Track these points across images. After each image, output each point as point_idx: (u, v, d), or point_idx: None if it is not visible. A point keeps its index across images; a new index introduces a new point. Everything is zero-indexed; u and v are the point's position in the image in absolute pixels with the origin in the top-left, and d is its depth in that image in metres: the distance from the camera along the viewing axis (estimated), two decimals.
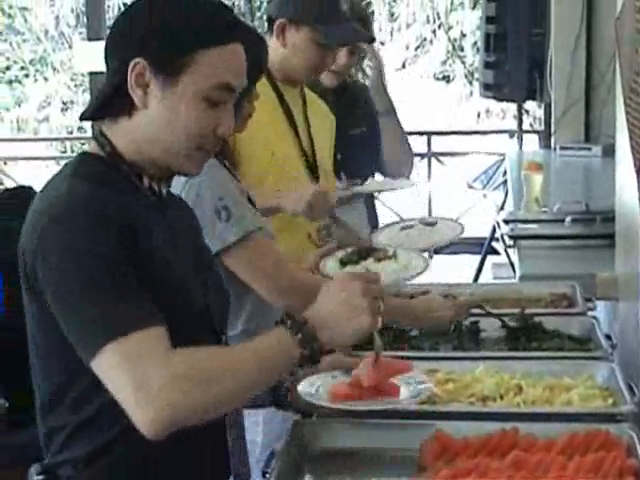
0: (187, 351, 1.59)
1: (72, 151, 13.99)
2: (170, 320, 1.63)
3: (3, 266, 2.37)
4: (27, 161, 10.88)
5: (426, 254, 2.89)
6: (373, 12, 14.97)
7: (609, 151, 4.98)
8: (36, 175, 9.76)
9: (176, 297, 1.71)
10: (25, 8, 16.57)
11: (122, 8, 16.01)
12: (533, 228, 3.89)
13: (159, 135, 1.72)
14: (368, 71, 3.79)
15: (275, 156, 2.82)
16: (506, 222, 3.96)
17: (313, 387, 1.90)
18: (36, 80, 16.75)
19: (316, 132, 2.99)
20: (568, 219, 3.79)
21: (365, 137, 3.65)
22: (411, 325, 2.67)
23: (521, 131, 7.47)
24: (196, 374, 1.56)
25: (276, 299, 2.42)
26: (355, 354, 2.14)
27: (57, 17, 16.74)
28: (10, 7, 16.44)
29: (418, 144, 8.92)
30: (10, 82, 17.06)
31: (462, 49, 16.35)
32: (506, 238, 3.86)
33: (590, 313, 2.79)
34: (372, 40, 4.00)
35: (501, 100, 7.46)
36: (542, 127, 7.20)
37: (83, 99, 14.94)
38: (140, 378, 1.53)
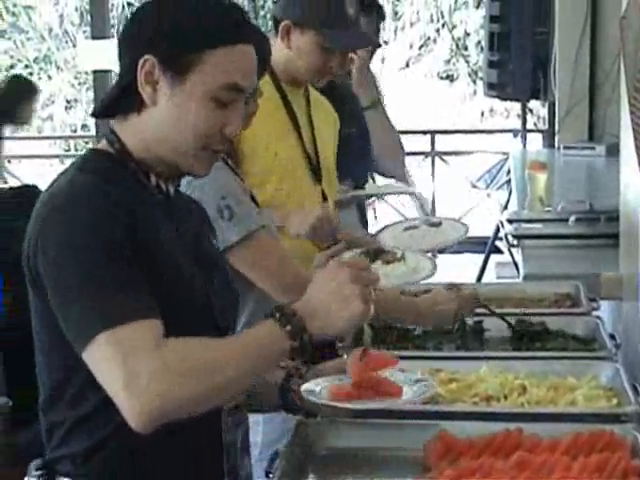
0: (178, 342, 1.58)
1: (76, 149, 13.99)
2: (171, 315, 1.63)
3: (4, 266, 2.37)
4: (30, 159, 10.90)
5: (430, 254, 2.88)
6: None
7: (613, 150, 4.98)
8: (40, 173, 9.79)
9: (178, 291, 1.71)
10: (29, 6, 16.58)
11: (126, 7, 16.06)
12: (537, 227, 3.89)
13: (167, 133, 1.73)
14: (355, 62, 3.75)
15: (278, 156, 2.82)
16: (510, 221, 3.96)
17: (317, 388, 1.89)
18: (40, 78, 16.74)
19: (320, 132, 2.98)
20: (572, 219, 3.79)
21: (355, 137, 3.62)
22: (416, 323, 2.64)
23: (525, 130, 7.46)
24: (186, 366, 1.56)
25: (281, 297, 2.41)
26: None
27: (61, 15, 16.75)
28: (14, 5, 16.45)
29: (422, 143, 8.93)
30: None
31: (466, 48, 16.33)
32: (510, 237, 3.86)
33: (594, 313, 2.78)
34: (378, 46, 4.01)
35: (505, 99, 7.46)
36: (546, 126, 7.20)
37: (87, 97, 14.94)
38: (130, 369, 1.53)
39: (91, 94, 10.13)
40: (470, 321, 2.72)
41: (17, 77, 7.17)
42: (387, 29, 15.68)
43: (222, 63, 1.71)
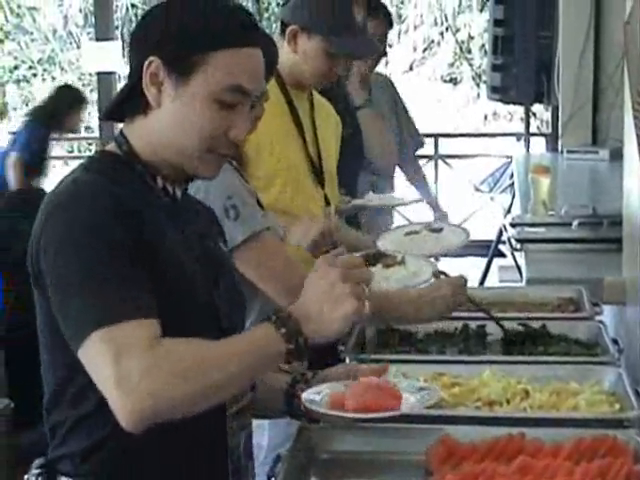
0: (174, 342, 1.58)
1: (79, 151, 14.01)
2: (173, 316, 1.63)
3: (5, 266, 2.37)
4: None
5: (432, 259, 2.87)
6: None
7: (616, 155, 4.97)
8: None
9: (180, 293, 1.71)
10: (34, 8, 16.61)
11: (130, 9, 16.06)
12: (540, 231, 3.88)
13: (172, 135, 1.73)
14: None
15: (282, 160, 2.82)
16: (513, 225, 3.95)
17: (319, 395, 1.88)
18: (44, 80, 16.78)
19: (322, 136, 2.98)
20: (575, 223, 3.78)
21: (349, 137, 3.59)
22: (417, 317, 2.59)
23: (528, 134, 7.47)
24: (180, 366, 1.55)
25: (284, 299, 2.40)
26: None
27: (65, 17, 16.79)
28: (19, 7, 16.49)
29: (425, 146, 8.93)
30: (18, 81, 17.10)
31: (470, 51, 16.36)
32: (513, 241, 3.85)
33: (597, 318, 2.78)
34: (384, 54, 4.01)
35: (508, 103, 7.45)
36: (549, 130, 7.20)
37: (91, 99, 14.96)
38: (123, 367, 1.52)
39: (95, 96, 10.13)
40: (473, 325, 2.73)
41: (67, 86, 7.35)
42: (391, 32, 15.72)
43: (226, 65, 1.71)
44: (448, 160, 8.80)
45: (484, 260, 6.01)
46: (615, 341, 2.56)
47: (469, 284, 2.59)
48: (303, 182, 2.87)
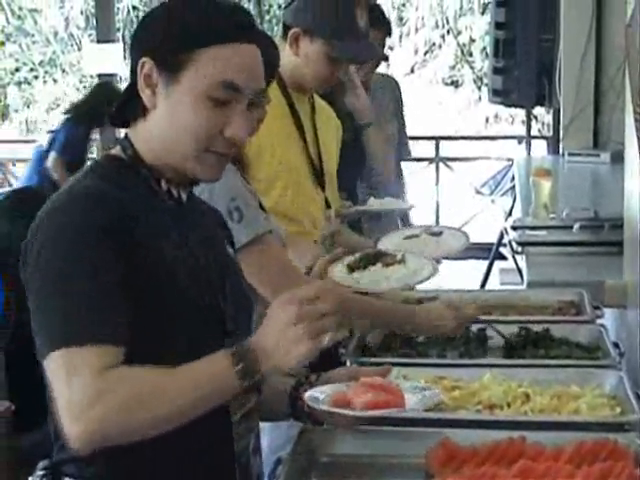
0: (126, 370, 1.59)
1: None
2: (171, 319, 1.64)
3: (3, 267, 2.36)
4: None
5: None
6: None
7: (618, 158, 4.97)
8: None
9: (181, 294, 1.71)
10: (35, 10, 16.63)
11: (131, 11, 16.07)
12: (541, 234, 3.88)
13: (169, 136, 1.73)
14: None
15: (283, 163, 2.82)
16: (514, 228, 3.95)
17: (321, 395, 1.88)
18: (45, 82, 16.80)
19: (323, 139, 2.98)
20: (576, 226, 3.78)
21: (351, 143, 3.58)
22: (415, 332, 2.66)
23: (529, 137, 7.47)
24: (131, 393, 1.57)
25: None
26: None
27: (67, 19, 16.81)
28: (20, 9, 16.51)
29: (426, 149, 8.94)
30: (19, 84, 17.13)
31: (471, 54, 16.37)
32: (514, 244, 3.85)
33: (598, 321, 2.77)
34: (385, 59, 4.00)
35: (510, 106, 7.46)
36: (550, 133, 7.20)
37: None
38: (73, 391, 1.55)
39: None
40: (474, 329, 2.72)
41: (106, 83, 7.38)
42: (392, 35, 15.73)
43: (215, 61, 1.70)
44: (449, 163, 8.81)
45: (485, 263, 6.00)
46: (616, 344, 2.56)
47: (470, 287, 2.59)
48: (304, 185, 2.87)
